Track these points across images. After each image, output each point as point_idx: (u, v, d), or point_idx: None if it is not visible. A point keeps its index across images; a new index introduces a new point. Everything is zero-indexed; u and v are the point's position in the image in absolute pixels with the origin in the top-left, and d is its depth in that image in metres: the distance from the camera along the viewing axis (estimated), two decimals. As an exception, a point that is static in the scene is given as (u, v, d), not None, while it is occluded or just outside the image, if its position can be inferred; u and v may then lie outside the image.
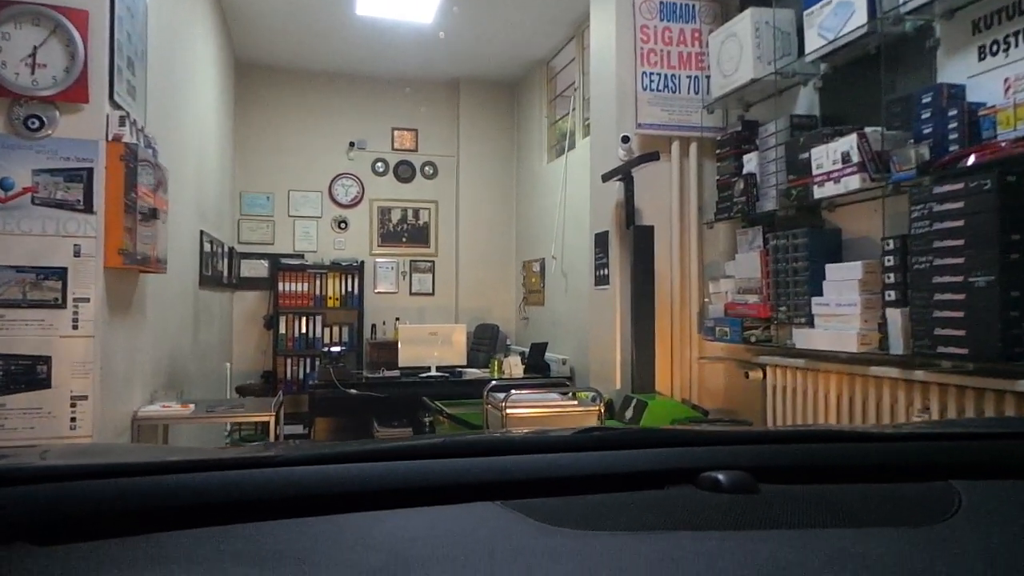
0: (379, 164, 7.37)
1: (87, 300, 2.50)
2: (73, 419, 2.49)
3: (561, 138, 6.63)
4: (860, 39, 2.58)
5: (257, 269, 6.97)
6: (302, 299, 6.77)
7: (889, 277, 2.41)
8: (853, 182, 2.46)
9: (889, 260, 2.40)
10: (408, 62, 6.95)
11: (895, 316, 2.36)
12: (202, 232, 4.74)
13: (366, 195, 7.33)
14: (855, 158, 2.45)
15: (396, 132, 7.45)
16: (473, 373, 5.52)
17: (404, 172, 7.45)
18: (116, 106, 2.60)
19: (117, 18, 2.60)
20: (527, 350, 6.01)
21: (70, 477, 0.49)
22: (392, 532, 0.47)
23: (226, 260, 6.07)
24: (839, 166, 2.53)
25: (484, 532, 0.47)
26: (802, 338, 2.81)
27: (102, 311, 2.56)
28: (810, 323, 2.78)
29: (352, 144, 7.25)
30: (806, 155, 2.77)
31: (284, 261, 6.85)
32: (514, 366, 5.56)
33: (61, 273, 2.48)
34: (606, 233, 3.72)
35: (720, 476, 0.56)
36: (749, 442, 0.69)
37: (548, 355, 5.86)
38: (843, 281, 2.59)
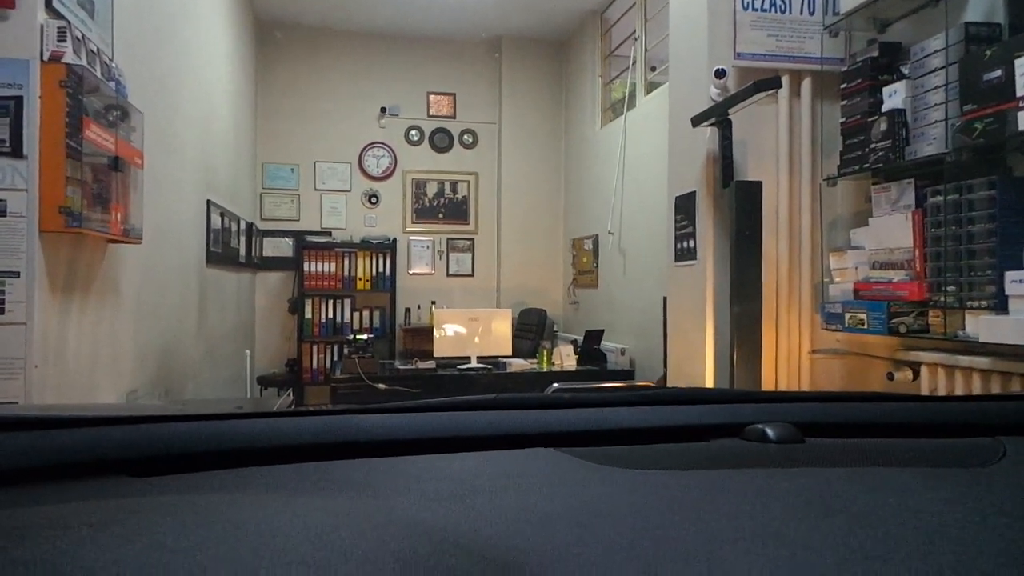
0: (413, 132, 6.69)
1: (16, 275, 1.86)
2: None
3: (617, 100, 5.85)
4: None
5: (281, 248, 6.37)
6: (329, 280, 6.15)
7: None
8: (1098, 99, 1.68)
9: None
10: (445, 18, 6.22)
11: None
12: (210, 202, 4.11)
13: (399, 166, 6.65)
14: (1102, 63, 1.66)
15: (432, 97, 6.75)
16: (519, 364, 4.84)
17: (441, 141, 6.75)
18: (56, 14, 1.94)
19: None
20: (579, 338, 5.29)
21: (160, 420, 0.53)
22: (458, 468, 0.49)
23: (244, 237, 5.46)
24: (1070, 78, 1.74)
25: (544, 469, 0.50)
26: (985, 328, 2.04)
27: (40, 290, 1.92)
28: (999, 307, 2.01)
29: (384, 110, 6.58)
30: (998, 73, 1.98)
31: (310, 239, 6.23)
32: (565, 357, 4.86)
33: (-21, 238, 1.84)
34: (692, 195, 2.97)
35: (767, 428, 0.57)
36: (794, 400, 0.71)
37: (604, 344, 5.14)
38: (1066, 248, 1.81)
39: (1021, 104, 1.88)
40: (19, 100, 1.86)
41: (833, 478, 0.48)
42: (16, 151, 1.86)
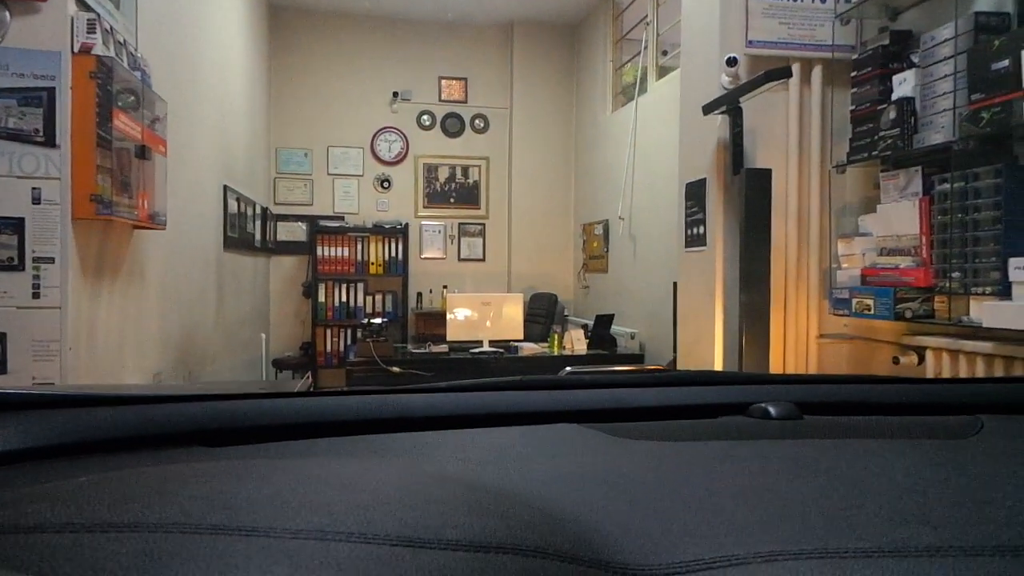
0: (425, 117, 6.73)
1: (51, 260, 1.94)
2: (36, 412, 1.94)
3: (628, 84, 5.86)
4: None
5: (295, 232, 6.45)
6: (342, 265, 6.23)
7: None
8: (1102, 90, 1.71)
9: None
10: (457, 3, 6.24)
11: None
12: (226, 188, 4.18)
13: (411, 151, 6.70)
14: (1108, 55, 1.69)
15: (444, 81, 6.77)
16: (531, 348, 4.91)
17: (452, 126, 6.79)
18: (85, 7, 2.01)
19: None
20: (590, 323, 5.35)
21: (226, 398, 0.59)
22: (492, 439, 0.55)
23: (259, 222, 5.54)
24: (1076, 69, 1.77)
25: (570, 440, 0.56)
26: (989, 313, 2.08)
27: (73, 275, 2.00)
28: (1003, 293, 2.05)
29: (396, 95, 6.62)
30: (1006, 63, 2.01)
31: (323, 223, 6.31)
32: (576, 341, 4.93)
33: (16, 225, 1.92)
34: (702, 182, 3.01)
35: (769, 406, 0.63)
36: (795, 382, 0.78)
37: (614, 328, 5.20)
38: (1069, 235, 1.86)
39: (1028, 94, 1.91)
40: (51, 91, 1.93)
41: (823, 447, 0.53)
42: (49, 141, 1.93)
